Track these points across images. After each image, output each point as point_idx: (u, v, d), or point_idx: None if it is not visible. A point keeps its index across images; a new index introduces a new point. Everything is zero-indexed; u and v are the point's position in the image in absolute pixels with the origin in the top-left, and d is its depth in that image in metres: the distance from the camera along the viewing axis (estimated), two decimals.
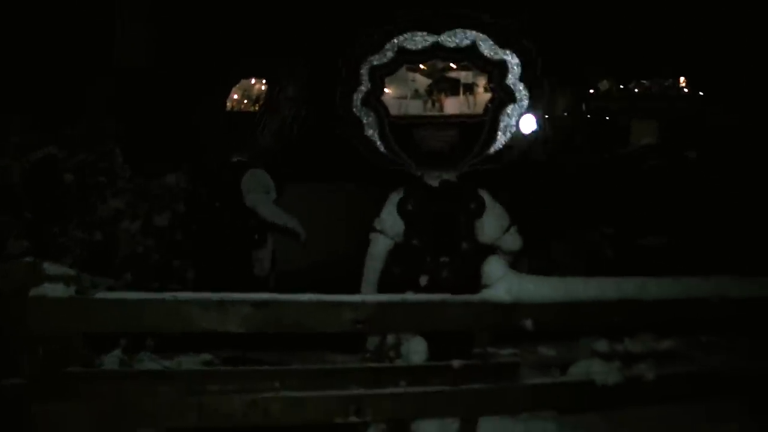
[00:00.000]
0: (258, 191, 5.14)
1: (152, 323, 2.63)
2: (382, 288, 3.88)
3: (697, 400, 3.52)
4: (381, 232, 3.99)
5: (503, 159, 4.08)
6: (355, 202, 5.62)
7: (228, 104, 5.66)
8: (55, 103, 5.05)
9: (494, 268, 2.84)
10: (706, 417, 3.56)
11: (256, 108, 5.69)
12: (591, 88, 6.87)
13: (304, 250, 5.33)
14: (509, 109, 4.04)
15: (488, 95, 4.12)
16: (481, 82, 4.17)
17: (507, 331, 2.93)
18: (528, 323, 2.85)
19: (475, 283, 2.93)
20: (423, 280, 3.76)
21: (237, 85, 5.74)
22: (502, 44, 4.01)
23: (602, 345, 3.16)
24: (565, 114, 7.34)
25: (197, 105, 5.73)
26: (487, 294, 2.79)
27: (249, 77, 5.77)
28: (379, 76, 4.19)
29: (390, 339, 3.10)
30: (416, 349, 2.95)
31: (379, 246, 3.98)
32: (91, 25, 5.51)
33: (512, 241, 4.02)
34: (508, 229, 4.01)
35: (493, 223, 3.99)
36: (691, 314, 3.32)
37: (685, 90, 6.75)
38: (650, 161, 4.81)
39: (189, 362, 3.20)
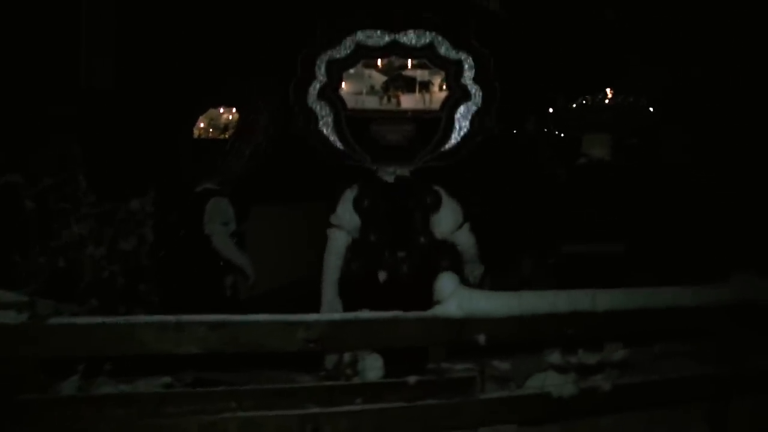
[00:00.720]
0: (216, 222, 5.19)
1: (106, 347, 2.63)
2: (343, 285, 3.89)
3: (652, 408, 3.60)
4: (338, 228, 3.99)
5: (456, 156, 4.17)
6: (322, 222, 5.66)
7: (195, 132, 5.75)
8: (17, 128, 5.03)
9: (445, 283, 2.89)
10: (663, 425, 3.64)
11: (225, 136, 5.77)
12: (548, 105, 7.08)
13: (273, 272, 5.37)
14: (463, 107, 4.17)
15: (443, 93, 4.24)
16: (437, 80, 4.29)
17: (462, 346, 2.97)
18: (481, 338, 2.90)
19: (432, 279, 2.97)
20: (381, 276, 3.78)
21: (204, 114, 5.81)
22: (457, 45, 4.15)
23: (556, 357, 3.22)
24: (524, 129, 7.53)
25: (164, 130, 5.76)
26: (438, 310, 2.84)
27: (219, 105, 5.83)
28: (337, 70, 4.26)
29: (347, 357, 3.13)
30: (372, 366, 2.99)
31: (337, 242, 3.98)
32: (55, 47, 5.50)
33: (466, 237, 4.06)
34: (461, 226, 4.05)
35: (448, 219, 4.05)
36: (642, 324, 3.41)
37: (637, 104, 6.96)
38: (603, 173, 4.96)
39: (148, 385, 3.20)
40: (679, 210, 6.15)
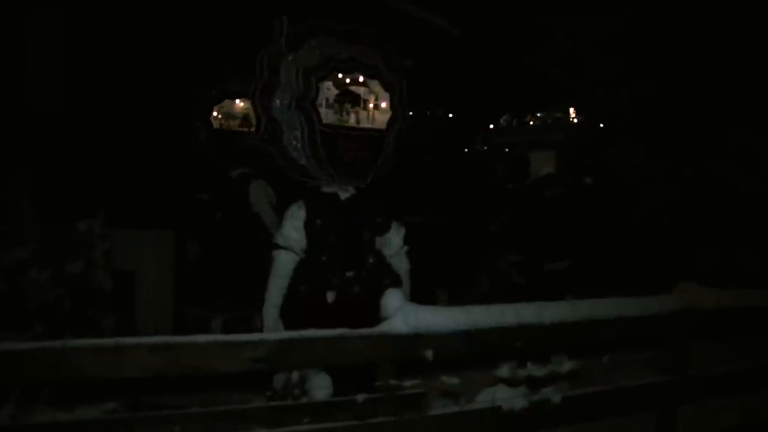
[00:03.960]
0: (263, 201, 5.71)
1: (39, 374, 2.53)
2: (290, 307, 3.75)
3: (602, 419, 3.65)
4: (285, 248, 3.83)
5: (380, 175, 4.13)
6: None
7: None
8: None
9: (391, 300, 2.88)
10: None
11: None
12: (492, 124, 7.21)
13: None
14: (396, 127, 4.16)
15: (377, 112, 4.22)
16: (371, 99, 4.27)
17: (410, 362, 2.96)
18: (429, 353, 2.89)
19: (376, 299, 2.94)
20: (330, 296, 3.70)
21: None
22: (389, 66, 4.12)
23: (505, 371, 3.23)
24: (471, 148, 7.66)
25: (116, 150, 5.67)
26: (385, 326, 2.82)
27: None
28: (315, 80, 3.95)
29: (294, 376, 3.08)
30: (320, 385, 2.95)
31: (286, 263, 3.79)
32: None
33: (404, 261, 4.00)
34: (402, 246, 4.00)
35: (395, 239, 3.98)
36: (589, 335, 3.45)
37: (580, 122, 7.15)
38: (550, 190, 5.06)
39: (90, 412, 3.11)
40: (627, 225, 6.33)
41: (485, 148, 7.47)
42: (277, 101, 3.93)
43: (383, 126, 4.17)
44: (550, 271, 4.87)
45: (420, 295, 3.66)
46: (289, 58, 3.95)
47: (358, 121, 4.24)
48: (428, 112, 7.60)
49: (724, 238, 6.71)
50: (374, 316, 2.95)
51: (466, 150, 7.70)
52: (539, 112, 6.78)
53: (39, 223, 4.84)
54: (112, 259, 5.10)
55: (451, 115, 7.16)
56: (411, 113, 4.30)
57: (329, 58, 3.98)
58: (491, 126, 7.21)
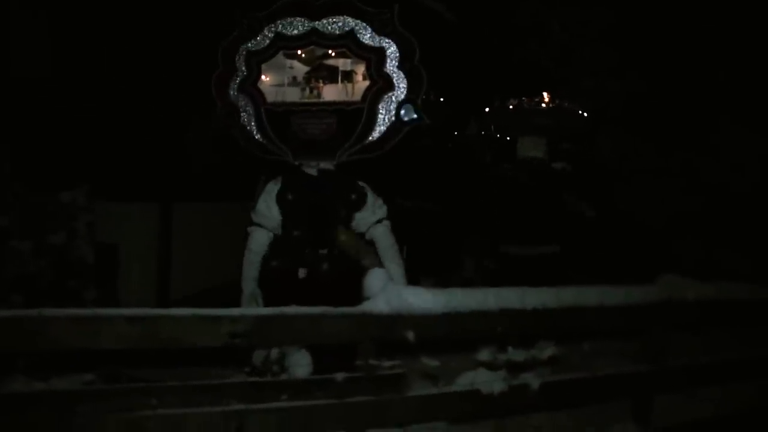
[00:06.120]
0: None
1: (15, 343, 2.50)
2: (262, 282, 3.77)
3: (581, 405, 3.68)
4: (259, 224, 3.85)
5: (382, 148, 4.02)
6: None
7: None
8: None
9: (374, 279, 2.87)
10: (591, 421, 3.72)
11: None
12: (483, 108, 7.19)
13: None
14: (387, 97, 3.99)
15: (366, 83, 4.07)
16: (360, 69, 4.13)
17: (391, 343, 2.96)
18: (410, 334, 2.88)
19: (355, 276, 2.92)
20: (302, 273, 3.69)
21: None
22: (380, 32, 4.00)
23: (485, 354, 3.24)
24: (465, 131, 7.63)
25: (104, 120, 5.57)
26: (367, 306, 2.82)
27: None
28: (256, 62, 4.14)
29: (274, 353, 3.07)
30: (300, 363, 2.94)
31: (259, 239, 3.84)
32: None
33: (384, 236, 3.93)
34: (381, 221, 3.94)
35: (369, 214, 3.92)
36: (571, 322, 3.47)
37: (570, 108, 7.15)
38: (528, 174, 5.06)
39: (67, 382, 3.08)
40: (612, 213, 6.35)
41: (476, 132, 7.45)
42: (231, 88, 4.20)
43: (357, 98, 4.04)
44: (541, 255, 4.87)
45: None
46: (242, 48, 4.15)
47: (319, 96, 4.17)
48: (424, 96, 7.57)
49: (708, 234, 6.77)
50: (348, 294, 2.93)
51: (456, 134, 7.67)
52: (529, 98, 6.77)
53: (21, 193, 4.75)
54: (95, 231, 5.04)
55: (441, 99, 7.11)
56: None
57: (278, 37, 4.04)
58: (483, 110, 7.19)
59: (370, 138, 4.01)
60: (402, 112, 3.99)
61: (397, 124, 4.02)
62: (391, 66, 4.01)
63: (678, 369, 3.80)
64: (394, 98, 4.02)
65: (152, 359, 3.28)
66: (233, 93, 4.19)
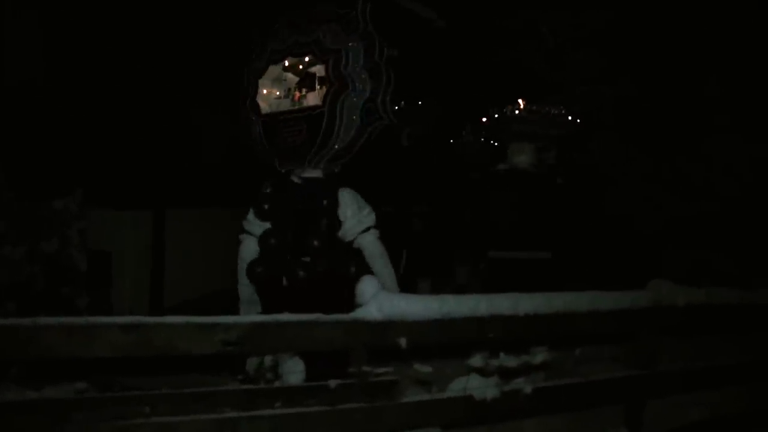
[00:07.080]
0: None
1: (8, 351, 2.50)
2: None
3: (573, 410, 3.69)
4: (249, 232, 3.88)
5: (351, 151, 3.94)
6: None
7: None
8: None
9: (367, 286, 2.88)
10: (583, 426, 3.73)
11: None
12: (475, 115, 7.23)
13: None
14: (345, 98, 3.84)
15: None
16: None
17: (384, 350, 2.97)
18: (402, 341, 2.89)
19: (338, 284, 2.92)
20: (285, 279, 3.70)
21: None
22: (347, 31, 3.91)
23: (478, 360, 3.25)
24: (458, 137, 7.68)
25: (98, 125, 5.57)
26: (359, 313, 2.83)
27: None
28: (253, 77, 4.24)
29: (267, 360, 3.07)
30: (293, 370, 2.95)
31: (244, 246, 3.88)
32: None
33: (372, 244, 3.91)
34: (368, 229, 3.93)
35: (355, 223, 3.91)
36: (563, 328, 3.48)
37: (562, 115, 7.19)
38: (527, 181, 5.09)
39: (60, 391, 3.07)
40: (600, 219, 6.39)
41: (469, 139, 7.49)
42: (245, 104, 4.28)
43: (319, 101, 3.95)
44: (533, 261, 4.88)
45: (401, 285, 3.67)
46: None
47: (300, 104, 4.18)
48: (420, 102, 7.61)
49: (700, 239, 6.81)
50: (332, 302, 2.94)
51: (451, 141, 7.71)
52: (520, 105, 6.81)
53: (13, 200, 4.75)
54: (87, 238, 5.04)
55: (434, 107, 7.16)
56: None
57: (271, 52, 4.14)
58: (475, 118, 7.23)
59: (334, 140, 3.88)
60: (365, 112, 3.85)
61: (361, 125, 3.90)
62: (355, 67, 3.89)
63: (670, 374, 3.82)
64: (354, 98, 3.87)
65: (145, 367, 3.28)
66: (246, 108, 4.29)
